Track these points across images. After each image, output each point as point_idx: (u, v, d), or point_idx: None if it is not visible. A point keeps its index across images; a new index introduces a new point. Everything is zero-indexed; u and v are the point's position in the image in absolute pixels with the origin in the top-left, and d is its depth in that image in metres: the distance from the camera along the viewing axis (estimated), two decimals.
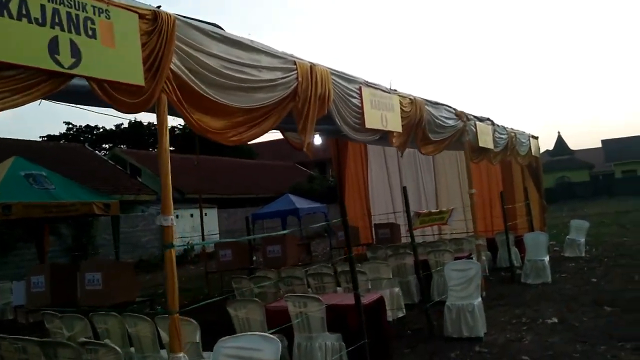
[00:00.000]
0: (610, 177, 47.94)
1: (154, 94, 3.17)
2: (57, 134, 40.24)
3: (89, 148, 28.99)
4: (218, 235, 26.74)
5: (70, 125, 40.88)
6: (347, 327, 5.21)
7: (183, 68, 3.43)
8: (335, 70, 5.28)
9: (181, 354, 3.35)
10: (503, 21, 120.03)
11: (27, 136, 60.74)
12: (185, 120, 3.57)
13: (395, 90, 6.58)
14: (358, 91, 5.65)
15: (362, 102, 5.63)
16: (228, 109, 3.96)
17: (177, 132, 42.34)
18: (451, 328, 6.22)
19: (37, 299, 7.82)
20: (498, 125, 10.53)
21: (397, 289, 7.72)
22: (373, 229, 14.98)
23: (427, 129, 7.60)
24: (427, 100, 7.43)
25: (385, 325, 5.73)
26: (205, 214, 27.19)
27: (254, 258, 11.95)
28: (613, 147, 48.25)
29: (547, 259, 9.64)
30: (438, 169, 14.99)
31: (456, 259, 8.70)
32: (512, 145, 11.09)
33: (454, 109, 8.41)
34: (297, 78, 4.57)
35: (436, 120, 7.69)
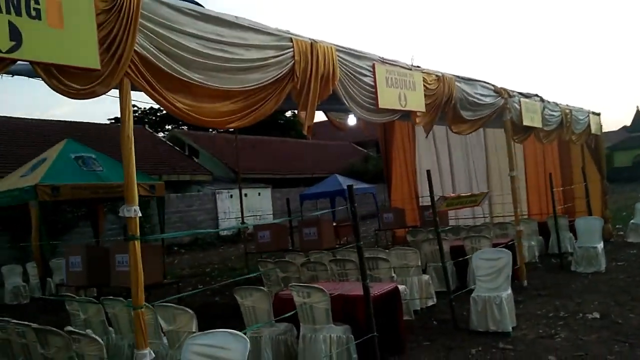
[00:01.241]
0: None
1: (113, 78, 3.02)
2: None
3: (149, 130, 30.00)
4: (272, 215, 27.06)
5: (135, 108, 42.56)
6: (357, 319, 4.97)
7: (152, 49, 3.25)
8: (342, 47, 4.94)
9: (146, 350, 3.26)
10: None
11: (100, 119, 64.13)
12: (161, 106, 3.41)
13: (419, 67, 6.13)
14: (371, 69, 5.28)
15: (375, 81, 5.27)
16: (215, 92, 3.77)
17: None
18: (477, 321, 5.81)
19: (75, 278, 8.12)
20: (549, 102, 9.71)
21: (426, 277, 7.36)
22: (419, 211, 14.48)
23: (459, 107, 7.08)
24: (458, 77, 6.90)
25: (400, 317, 5.42)
26: (259, 194, 27.67)
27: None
28: None
29: (600, 245, 8.87)
30: (490, 149, 14.18)
31: (494, 245, 8.18)
32: (566, 122, 10.21)
33: (493, 85, 7.79)
34: (293, 56, 4.29)
35: (469, 97, 7.14)
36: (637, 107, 54.66)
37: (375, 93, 5.26)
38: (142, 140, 26.19)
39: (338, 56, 4.82)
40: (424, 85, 6.10)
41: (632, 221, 11.99)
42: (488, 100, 7.63)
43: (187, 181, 24.60)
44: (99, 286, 8.20)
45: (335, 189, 18.41)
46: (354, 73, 5.02)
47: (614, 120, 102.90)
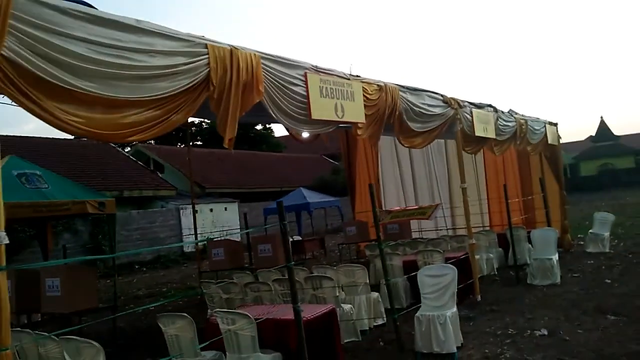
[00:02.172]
0: None
1: None
2: None
3: (112, 144, 29.22)
4: (239, 229, 26.54)
5: None
6: (289, 345, 4.63)
7: (27, 54, 2.90)
8: (269, 55, 4.66)
9: None
10: (540, 3, 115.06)
11: (59, 134, 62.41)
12: (43, 120, 3.04)
13: (358, 77, 5.89)
14: (303, 78, 5.01)
15: (307, 91, 4.99)
16: (114, 102, 3.42)
17: (205, 126, 42.54)
18: (421, 342, 5.53)
19: None
20: (503, 112, 9.62)
21: (375, 295, 7.07)
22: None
23: (406, 118, 6.87)
24: (402, 87, 6.69)
25: (337, 341, 5.11)
26: (225, 209, 27.13)
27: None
28: None
29: (555, 257, 8.74)
30: (450, 159, 14.08)
31: (448, 259, 7.96)
32: (521, 133, 10.14)
33: (442, 95, 7.62)
34: (208, 64, 3.99)
35: (416, 108, 6.94)
36: (601, 117, 55.89)
37: (308, 103, 4.99)
38: (104, 155, 25.50)
39: (263, 64, 4.54)
40: (364, 96, 5.86)
41: (590, 231, 11.98)
42: (437, 110, 7.45)
43: (150, 197, 23.96)
44: (29, 312, 7.67)
45: (299, 202, 18.11)
46: (281, 82, 4.74)
47: (580, 130, 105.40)
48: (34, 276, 7.53)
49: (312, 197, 18.23)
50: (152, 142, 39.76)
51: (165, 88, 3.68)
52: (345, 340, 6.27)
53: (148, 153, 30.10)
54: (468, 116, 8.29)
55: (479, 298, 7.77)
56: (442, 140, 13.00)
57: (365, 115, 5.95)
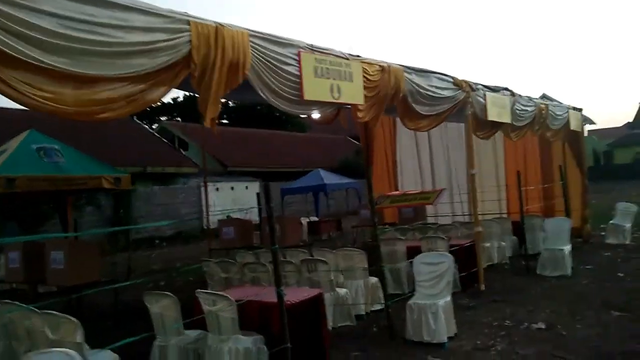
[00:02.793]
0: None
1: None
2: None
3: (136, 121, 29.64)
4: (258, 209, 26.56)
5: None
6: (272, 329, 4.59)
7: None
8: (259, 33, 4.53)
9: None
10: None
11: None
12: (5, 95, 3.01)
13: (358, 56, 5.71)
14: (296, 57, 4.87)
15: (300, 70, 4.85)
16: (86, 78, 3.38)
17: (232, 104, 42.71)
18: (412, 330, 5.43)
19: (12, 275, 7.80)
20: (521, 97, 9.26)
21: (374, 280, 6.97)
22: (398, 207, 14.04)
23: (412, 101, 6.66)
24: (408, 68, 6.46)
25: (323, 326, 5.04)
26: (247, 187, 27.33)
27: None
28: None
29: (567, 248, 8.45)
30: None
31: (453, 246, 7.79)
32: (540, 118, 9.75)
33: (452, 77, 7.36)
34: (190, 41, 3.89)
35: (423, 90, 6.71)
36: (639, 103, 53.67)
37: (300, 84, 4.85)
38: (128, 131, 25.87)
39: (252, 42, 4.41)
40: (364, 77, 5.68)
41: (611, 222, 11.57)
42: (446, 93, 7.21)
43: (173, 174, 24.27)
44: (35, 283, 7.86)
45: (316, 183, 18.04)
46: (272, 61, 4.61)
47: (618, 116, 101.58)
48: (40, 248, 7.70)
49: (330, 178, 18.11)
50: (179, 119, 40.31)
51: (141, 65, 3.61)
52: (339, 325, 6.23)
53: (173, 130, 30.43)
54: (481, 100, 8.00)
55: (482, 287, 7.59)
56: (462, 124, 12.70)
57: (366, 97, 5.78)
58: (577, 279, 7.92)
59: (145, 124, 37.74)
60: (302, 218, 20.61)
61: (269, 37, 4.62)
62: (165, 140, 26.66)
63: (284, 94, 4.78)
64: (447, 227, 9.85)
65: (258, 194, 13.65)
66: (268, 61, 4.58)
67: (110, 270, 14.59)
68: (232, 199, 26.18)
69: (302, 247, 10.11)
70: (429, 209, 14.42)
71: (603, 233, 12.32)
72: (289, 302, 4.64)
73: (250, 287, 5.90)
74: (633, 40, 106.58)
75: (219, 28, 4.12)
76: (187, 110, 42.51)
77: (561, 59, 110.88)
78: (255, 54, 4.45)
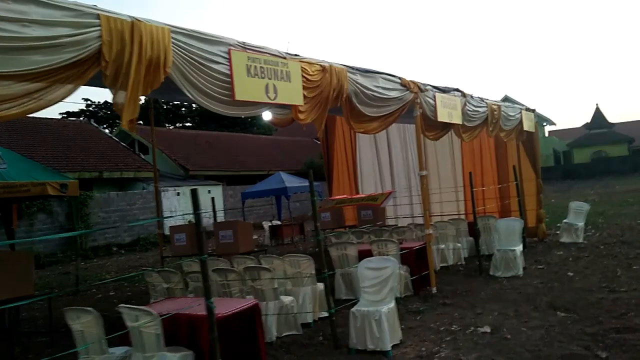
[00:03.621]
0: None
1: None
2: (77, 110, 40.45)
3: (94, 125, 28.83)
4: (224, 213, 26.23)
5: (89, 102, 41.09)
6: (201, 344, 4.33)
7: None
8: (182, 29, 4.27)
9: None
10: None
11: (50, 114, 61.61)
12: None
13: (297, 56, 5.51)
14: (226, 55, 4.63)
15: (231, 69, 4.61)
16: None
17: (195, 107, 41.98)
18: (356, 339, 5.25)
19: None
20: (472, 97, 9.23)
21: (322, 286, 6.76)
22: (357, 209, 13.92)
23: (357, 102, 6.50)
24: (352, 68, 6.31)
25: (260, 338, 4.81)
26: (209, 192, 26.82)
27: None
28: None
29: (519, 248, 8.45)
30: (428, 147, 13.72)
31: (404, 249, 7.68)
32: (493, 119, 9.76)
33: (400, 77, 7.24)
34: (100, 36, 3.61)
35: (368, 91, 6.56)
36: (596, 104, 55.34)
37: (231, 83, 4.61)
38: (86, 135, 25.06)
39: (175, 39, 4.16)
40: (304, 76, 5.48)
41: (564, 221, 11.70)
42: (393, 94, 7.08)
43: (132, 178, 23.60)
44: None
45: (277, 187, 17.77)
46: (198, 59, 4.36)
47: (576, 117, 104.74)
48: None
49: (291, 181, 17.88)
50: (141, 122, 39.37)
51: (41, 62, 3.31)
52: (284, 334, 6.02)
53: (132, 134, 29.60)
54: (430, 100, 7.91)
55: (434, 290, 7.49)
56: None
57: (307, 97, 5.58)
58: (528, 279, 7.91)
59: (104, 129, 36.83)
60: (264, 222, 20.37)
61: (194, 34, 4.36)
62: (124, 144, 25.92)
63: (214, 94, 4.53)
64: (402, 229, 9.75)
65: (213, 199, 13.40)
66: (194, 59, 4.33)
67: (61, 280, 14.03)
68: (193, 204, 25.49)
69: (256, 253, 9.89)
70: (390, 210, 14.40)
71: (557, 232, 12.49)
72: (220, 315, 4.40)
73: (184, 298, 5.62)
74: (591, 43, 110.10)
75: (135, 23, 3.85)
76: (146, 113, 41.67)
77: (523, 62, 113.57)
78: (179, 52, 4.20)
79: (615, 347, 4.65)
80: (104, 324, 4.30)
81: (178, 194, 24.36)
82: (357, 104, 6.48)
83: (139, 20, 3.89)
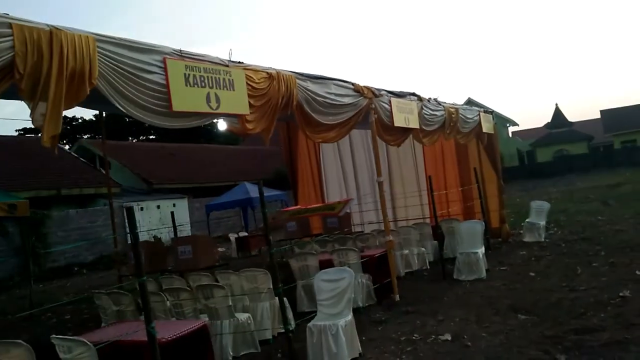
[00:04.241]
0: (609, 148, 46.21)
1: None
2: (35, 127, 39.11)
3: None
4: (189, 226, 25.69)
5: None
6: None
7: None
8: (110, 38, 4.03)
9: None
10: None
11: (5, 131, 59.67)
12: None
13: (241, 63, 5.31)
14: (161, 64, 4.39)
15: (167, 79, 4.38)
16: None
17: None
18: (313, 356, 5.04)
19: None
20: (429, 101, 9.20)
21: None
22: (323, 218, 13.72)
23: (310, 110, 6.33)
24: (301, 75, 6.14)
25: None
26: (174, 205, 26.22)
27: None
28: (612, 118, 46.36)
29: (481, 250, 8.42)
30: (391, 152, 13.68)
31: (365, 257, 7.52)
32: (450, 122, 9.75)
33: (353, 83, 7.11)
34: (12, 47, 3.34)
35: (320, 98, 6.41)
36: (556, 104, 56.83)
37: (168, 94, 4.38)
38: (43, 152, 24.18)
39: (102, 48, 3.90)
40: (249, 84, 5.28)
41: (527, 220, 11.79)
42: (347, 100, 6.94)
43: (93, 194, 22.87)
44: None
45: (242, 197, 17.46)
46: (130, 69, 4.11)
47: (538, 117, 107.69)
48: None
49: (257, 191, 17.53)
50: (99, 136, 38.35)
51: None
52: (242, 353, 5.76)
53: (92, 149, 28.82)
54: (386, 105, 7.82)
55: (397, 298, 7.36)
56: None
57: (254, 106, 5.38)
58: (491, 281, 7.87)
59: (65, 144, 35.76)
60: (230, 234, 19.98)
61: (124, 43, 4.12)
62: (83, 160, 25.15)
63: (149, 105, 4.28)
64: (365, 236, 9.62)
65: (172, 213, 13.01)
66: (124, 70, 4.07)
67: (18, 305, 13.35)
68: (159, 218, 25.03)
69: (218, 268, 9.59)
70: (356, 217, 14.25)
71: (521, 231, 12.58)
72: (164, 340, 4.13)
73: (135, 322, 5.30)
74: (549, 43, 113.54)
75: (54, 32, 3.58)
76: (109, 127, 40.69)
77: (485, 65, 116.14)
78: (107, 62, 3.94)
79: (574, 349, 4.58)
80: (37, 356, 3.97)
81: (142, 209, 23.73)
82: (309, 112, 6.31)
83: (58, 29, 3.62)
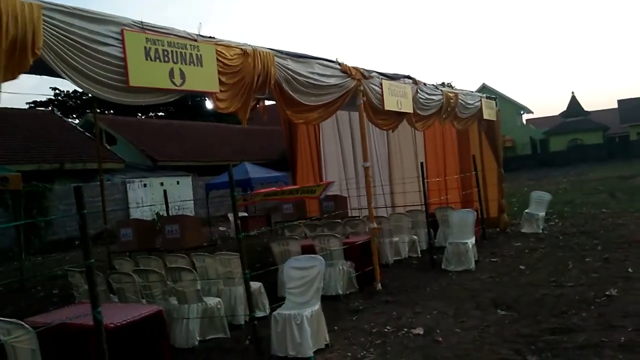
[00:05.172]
0: (625, 139, 45.20)
1: None
2: (45, 99, 39.28)
3: (58, 114, 27.95)
4: (193, 203, 25.69)
5: (57, 91, 39.91)
6: (91, 358, 3.90)
7: None
8: (58, 6, 3.78)
9: None
10: None
11: (18, 104, 59.97)
12: None
13: (211, 38, 5.04)
14: (118, 36, 4.15)
15: (125, 52, 4.14)
16: None
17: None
18: (277, 345, 4.87)
19: None
20: (425, 84, 8.86)
21: (256, 285, 6.38)
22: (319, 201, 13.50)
23: (290, 90, 6.07)
24: (280, 52, 5.86)
25: (164, 348, 4.40)
26: (178, 183, 26.19)
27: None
28: (629, 108, 45.22)
29: (471, 241, 8.15)
30: (391, 137, 13.35)
31: (345, 244, 7.31)
32: (448, 107, 9.40)
33: (340, 63, 6.81)
34: None
35: (301, 78, 6.13)
36: (572, 92, 55.49)
37: (125, 67, 4.14)
38: (48, 125, 24.20)
39: (48, 16, 3.67)
40: (220, 61, 5.03)
41: (526, 211, 11.46)
42: (332, 81, 6.66)
43: (96, 170, 22.84)
44: None
45: (241, 177, 17.28)
46: (81, 40, 3.88)
47: (553, 105, 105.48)
48: None
49: (256, 172, 17.42)
50: (112, 111, 38.39)
51: None
52: (209, 337, 5.62)
53: (99, 124, 28.76)
54: (377, 88, 7.52)
55: (379, 286, 7.16)
56: None
57: (226, 84, 5.14)
58: (478, 273, 7.62)
59: (73, 119, 35.81)
60: (229, 214, 19.88)
61: (75, 12, 3.88)
62: (89, 135, 25.11)
63: (103, 79, 4.06)
64: (355, 221, 9.39)
65: (165, 191, 12.88)
66: (75, 40, 3.84)
67: (10, 277, 13.41)
68: (161, 195, 24.92)
69: (205, 248, 9.49)
70: (353, 201, 14.00)
71: (520, 222, 12.26)
72: (112, 325, 3.98)
73: (86, 305, 5.14)
74: (568, 31, 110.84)
75: None
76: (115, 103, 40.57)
77: (501, 51, 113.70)
78: (55, 31, 3.72)
79: (547, 350, 4.35)
80: None
81: (145, 185, 23.73)
82: (290, 92, 6.05)
83: None
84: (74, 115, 38.40)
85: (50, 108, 36.46)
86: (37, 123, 24.00)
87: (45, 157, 21.10)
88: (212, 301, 5.74)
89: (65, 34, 3.78)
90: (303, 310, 4.82)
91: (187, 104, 42.14)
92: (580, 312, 5.26)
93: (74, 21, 3.86)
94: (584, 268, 7.22)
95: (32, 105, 38.11)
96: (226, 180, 18.60)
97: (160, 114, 43.82)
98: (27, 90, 61.53)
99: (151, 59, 4.33)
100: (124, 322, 4.09)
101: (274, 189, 11.53)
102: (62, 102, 39.60)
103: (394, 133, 12.90)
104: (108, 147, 25.48)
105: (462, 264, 7.99)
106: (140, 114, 41.44)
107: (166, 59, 4.47)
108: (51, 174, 20.85)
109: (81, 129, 25.79)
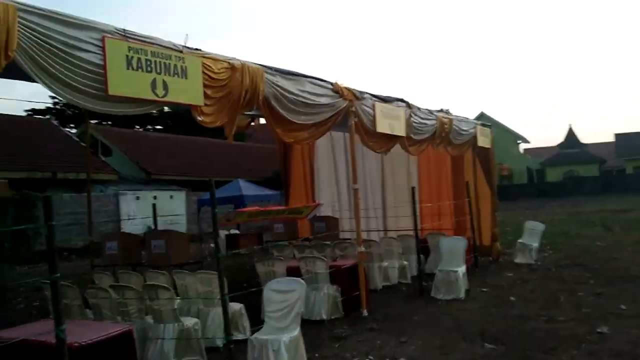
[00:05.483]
0: (621, 173, 45.27)
1: None
2: (44, 108, 39.21)
3: (54, 123, 27.84)
4: (185, 217, 25.39)
5: (57, 100, 39.88)
6: None
7: None
8: (39, 9, 3.67)
9: None
10: (511, 10, 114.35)
11: (16, 111, 59.96)
12: None
13: (198, 50, 4.93)
14: (99, 43, 4.02)
15: (105, 59, 4.01)
16: None
17: (168, 110, 41.10)
18: None
19: None
20: (419, 109, 8.76)
21: (237, 306, 6.15)
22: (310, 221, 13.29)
23: (280, 107, 5.94)
24: (270, 68, 5.75)
25: None
26: (171, 197, 25.95)
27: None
28: (626, 142, 45.45)
29: (461, 269, 7.95)
30: (385, 160, 13.23)
31: (331, 267, 7.10)
32: (442, 132, 9.29)
33: (332, 83, 6.71)
34: None
35: (291, 95, 6.01)
36: (569, 125, 55.93)
37: (105, 75, 4.00)
38: (43, 133, 24.06)
39: (24, 19, 3.54)
40: (206, 74, 4.90)
41: (519, 241, 11.28)
42: (323, 100, 6.54)
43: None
44: None
45: (234, 194, 17.11)
46: (58, 45, 3.75)
47: (551, 137, 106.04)
48: None
49: (249, 189, 17.25)
50: (110, 122, 38.28)
51: None
52: (184, 359, 5.37)
53: (96, 135, 28.67)
54: (369, 110, 7.40)
55: (365, 312, 6.93)
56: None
57: (211, 97, 5.00)
58: (468, 303, 7.41)
59: (71, 128, 35.67)
60: (221, 231, 19.63)
61: (54, 16, 3.76)
62: (82, 144, 24.95)
63: (80, 86, 3.92)
64: (345, 244, 9.18)
65: (154, 205, 12.68)
66: (52, 45, 3.71)
67: None
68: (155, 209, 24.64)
69: (192, 265, 9.26)
70: (345, 223, 13.80)
71: (510, 251, 12.07)
72: (76, 344, 3.76)
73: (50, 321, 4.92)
74: (568, 64, 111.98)
75: None
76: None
77: (500, 80, 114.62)
78: (31, 35, 3.59)
79: None
80: None
81: (137, 198, 23.48)
82: (279, 109, 5.92)
83: None
84: (72, 125, 38.30)
85: (47, 117, 36.40)
86: (31, 130, 23.86)
87: (37, 165, 20.90)
88: (189, 322, 5.51)
89: (42, 37, 3.66)
90: (281, 336, 4.61)
91: (186, 118, 42.13)
92: (570, 349, 5.05)
93: (52, 25, 3.74)
94: (575, 302, 7.02)
95: (30, 113, 38.05)
96: (218, 197, 18.39)
97: (158, 127, 43.79)
98: (26, 98, 61.60)
99: (133, 68, 4.20)
100: (90, 342, 3.87)
101: (257, 208, 11.33)
102: (60, 111, 39.54)
103: (387, 156, 12.81)
104: (103, 158, 25.33)
105: (451, 293, 7.78)
106: (137, 127, 41.39)
107: (149, 68, 4.34)
108: (43, 182, 20.62)
109: (77, 139, 25.66)
